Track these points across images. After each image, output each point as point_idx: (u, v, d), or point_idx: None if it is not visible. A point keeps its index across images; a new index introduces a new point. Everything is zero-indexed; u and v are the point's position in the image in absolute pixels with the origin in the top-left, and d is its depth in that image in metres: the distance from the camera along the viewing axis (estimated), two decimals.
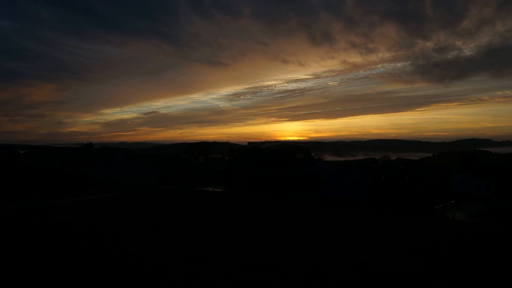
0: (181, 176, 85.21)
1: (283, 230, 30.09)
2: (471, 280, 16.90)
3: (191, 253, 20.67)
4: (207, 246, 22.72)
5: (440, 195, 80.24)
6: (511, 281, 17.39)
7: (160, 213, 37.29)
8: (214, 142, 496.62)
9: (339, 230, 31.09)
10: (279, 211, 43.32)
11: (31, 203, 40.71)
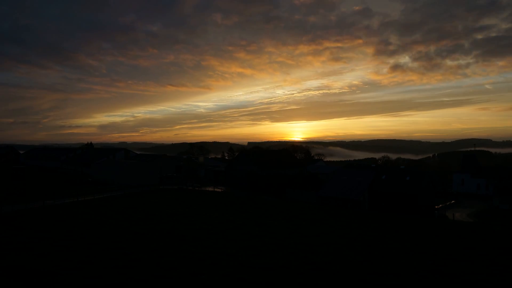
0: (181, 176, 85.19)
1: (283, 230, 30.08)
2: (471, 280, 16.90)
3: (191, 253, 20.67)
4: (207, 246, 22.71)
5: (440, 195, 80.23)
6: (511, 280, 17.39)
7: (160, 213, 37.28)
8: (214, 142, 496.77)
9: (339, 230, 31.09)
10: (279, 211, 43.31)
11: (31, 203, 40.68)
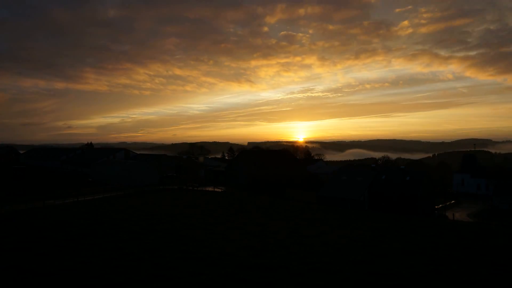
0: (181, 176, 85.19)
1: (283, 230, 30.08)
2: (471, 280, 16.89)
3: (191, 253, 20.66)
4: (207, 246, 22.71)
5: (440, 195, 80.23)
6: (511, 280, 17.38)
7: (160, 213, 37.28)
8: (214, 142, 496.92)
9: (339, 230, 31.09)
10: (279, 211, 43.31)
11: (31, 203, 40.68)
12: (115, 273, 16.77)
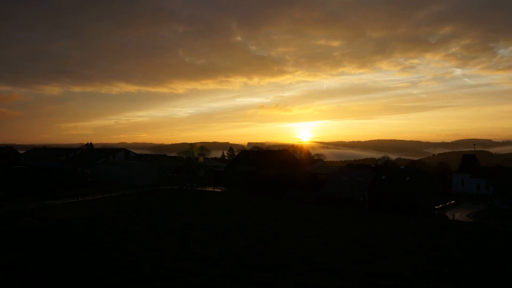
0: (181, 176, 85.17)
1: (283, 230, 30.07)
2: (471, 280, 16.89)
3: (191, 253, 20.67)
4: (207, 246, 22.71)
5: (440, 195, 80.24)
6: (511, 280, 17.39)
7: (160, 213, 37.28)
8: (214, 142, 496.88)
9: (339, 230, 31.08)
10: (279, 211, 43.31)
11: (31, 203, 40.67)
12: (115, 273, 16.76)
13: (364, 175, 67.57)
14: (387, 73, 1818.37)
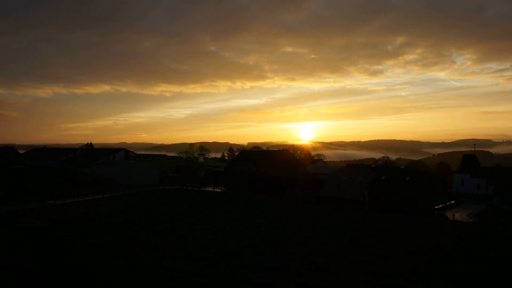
0: (181, 176, 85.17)
1: (283, 230, 30.08)
2: (471, 280, 16.90)
3: (191, 253, 20.67)
4: (207, 246, 22.71)
5: (440, 195, 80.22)
6: (511, 280, 17.39)
7: (160, 213, 37.29)
8: (214, 142, 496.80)
9: (339, 230, 31.08)
10: (279, 211, 43.32)
11: (31, 203, 40.66)
12: (115, 273, 16.76)
13: (364, 175, 67.60)
14: (357, 78, 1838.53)
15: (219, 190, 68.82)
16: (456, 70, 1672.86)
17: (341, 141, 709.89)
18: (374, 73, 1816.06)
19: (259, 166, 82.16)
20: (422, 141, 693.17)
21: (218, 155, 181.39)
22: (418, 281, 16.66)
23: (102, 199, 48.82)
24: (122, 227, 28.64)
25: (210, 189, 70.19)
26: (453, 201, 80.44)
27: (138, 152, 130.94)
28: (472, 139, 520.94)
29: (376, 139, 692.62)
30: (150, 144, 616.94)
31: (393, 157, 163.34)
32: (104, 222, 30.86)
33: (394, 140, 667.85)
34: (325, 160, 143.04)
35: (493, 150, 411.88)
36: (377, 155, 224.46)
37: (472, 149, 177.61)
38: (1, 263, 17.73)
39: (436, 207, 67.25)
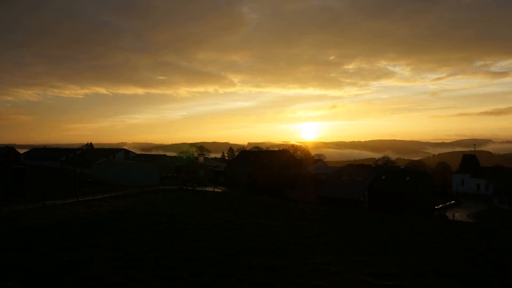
0: (181, 176, 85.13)
1: (283, 230, 30.08)
2: (471, 280, 16.90)
3: (191, 253, 20.68)
4: (207, 246, 22.71)
5: (440, 195, 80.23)
6: (511, 280, 17.39)
7: (160, 213, 37.28)
8: (214, 142, 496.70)
9: (339, 231, 31.08)
10: (279, 212, 43.31)
11: (31, 203, 40.65)
12: (115, 273, 16.77)
13: (364, 175, 67.60)
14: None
15: (219, 190, 68.79)
16: None
17: (341, 141, 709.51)
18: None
19: (259, 166, 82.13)
20: (422, 141, 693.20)
21: (218, 155, 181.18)
22: (418, 281, 16.67)
23: (102, 199, 48.82)
24: (122, 227, 28.64)
25: (210, 189, 70.16)
26: (453, 201, 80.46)
27: (138, 152, 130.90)
28: (472, 139, 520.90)
29: (376, 139, 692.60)
30: (150, 144, 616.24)
31: (393, 157, 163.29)
32: (104, 222, 30.86)
33: (394, 140, 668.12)
34: (325, 160, 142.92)
35: (493, 150, 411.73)
36: (377, 155, 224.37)
37: (472, 149, 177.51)
38: (1, 263, 17.73)
39: (436, 207, 67.27)
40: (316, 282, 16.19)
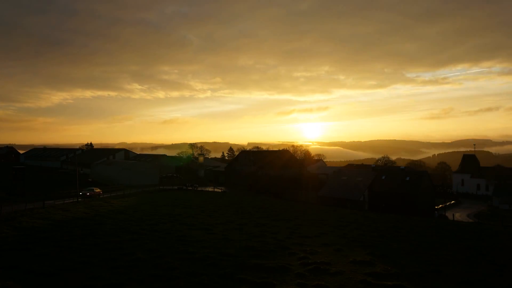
0: (181, 176, 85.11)
1: (283, 230, 30.07)
2: (471, 280, 16.91)
3: (191, 253, 20.68)
4: (207, 246, 22.71)
5: (440, 195, 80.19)
6: (511, 280, 17.40)
7: (160, 213, 37.28)
8: (214, 142, 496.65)
9: (339, 230, 31.08)
10: (279, 212, 43.31)
11: (31, 203, 40.67)
12: (115, 273, 16.78)
13: (364, 175, 67.60)
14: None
15: (219, 190, 68.78)
16: None
17: (341, 141, 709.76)
18: None
19: (259, 166, 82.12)
20: (422, 141, 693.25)
21: (218, 155, 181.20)
22: (418, 281, 16.68)
23: (102, 199, 48.84)
24: (122, 227, 28.64)
25: (210, 189, 70.18)
26: (453, 201, 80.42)
27: (138, 152, 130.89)
28: (472, 139, 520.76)
29: (376, 139, 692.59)
30: (150, 144, 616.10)
31: (393, 157, 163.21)
32: (104, 222, 30.86)
33: (394, 140, 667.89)
34: (325, 160, 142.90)
35: (493, 150, 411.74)
36: (377, 155, 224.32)
37: (472, 149, 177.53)
38: (1, 263, 17.74)
39: (436, 207, 67.23)
40: (316, 282, 16.20)
